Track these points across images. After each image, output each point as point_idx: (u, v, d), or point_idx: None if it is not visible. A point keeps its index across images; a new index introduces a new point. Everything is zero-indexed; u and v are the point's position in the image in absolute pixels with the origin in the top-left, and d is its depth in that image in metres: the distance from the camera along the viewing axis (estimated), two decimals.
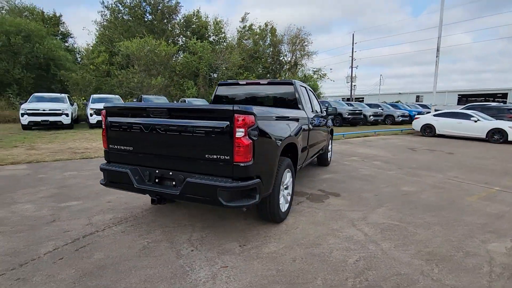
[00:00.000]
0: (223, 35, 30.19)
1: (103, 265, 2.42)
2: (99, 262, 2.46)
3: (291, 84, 4.35)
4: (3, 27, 21.32)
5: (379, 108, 19.35)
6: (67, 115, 12.68)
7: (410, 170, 6.19)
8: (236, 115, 2.37)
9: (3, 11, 26.79)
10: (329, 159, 6.51)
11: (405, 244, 2.90)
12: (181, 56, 25.18)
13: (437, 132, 12.55)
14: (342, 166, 6.52)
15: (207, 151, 2.49)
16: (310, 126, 4.40)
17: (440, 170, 6.22)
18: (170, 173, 2.70)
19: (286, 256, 2.63)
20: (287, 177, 3.43)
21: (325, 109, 5.97)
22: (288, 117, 3.41)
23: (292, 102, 4.32)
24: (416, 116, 13.85)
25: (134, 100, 18.57)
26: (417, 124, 13.10)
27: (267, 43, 31.29)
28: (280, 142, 2.94)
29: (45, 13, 29.97)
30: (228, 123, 2.39)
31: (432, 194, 4.57)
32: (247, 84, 4.65)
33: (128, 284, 2.18)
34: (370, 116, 17.54)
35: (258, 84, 4.56)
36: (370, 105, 20.43)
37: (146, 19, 27.79)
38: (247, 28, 30.47)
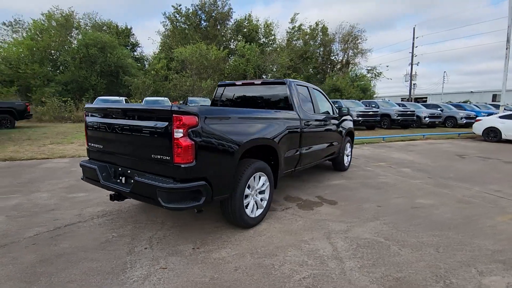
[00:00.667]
0: (272, 37, 30.34)
1: (61, 253, 2.64)
2: (61, 250, 2.69)
3: (283, 83, 4.15)
4: (84, 40, 24.87)
5: (438, 109, 17.08)
6: None
7: (442, 181, 5.34)
8: (174, 115, 2.35)
9: (88, 27, 31.21)
10: (346, 164, 6.02)
11: (375, 265, 2.51)
12: (231, 59, 26.02)
13: (503, 136, 10.54)
14: (361, 172, 5.96)
15: (152, 151, 2.53)
16: (305, 127, 4.13)
17: (481, 182, 5.23)
18: (129, 171, 2.81)
19: (231, 264, 2.50)
20: (261, 181, 3.27)
21: (345, 110, 5.55)
22: (261, 117, 3.25)
23: (284, 102, 4.11)
24: (478, 118, 11.84)
25: (181, 102, 19.76)
26: (478, 127, 11.18)
27: (317, 43, 30.42)
28: (240, 144, 2.81)
29: (118, 27, 34.08)
30: (167, 123, 2.39)
31: (451, 209, 3.87)
32: (242, 84, 4.58)
33: (69, 274, 2.33)
34: (425, 117, 15.63)
35: (253, 84, 4.46)
36: (427, 106, 18.20)
37: (201, 26, 29.51)
38: (296, 28, 30.03)
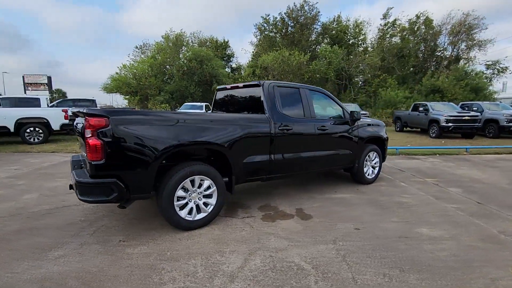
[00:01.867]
0: (362, 36, 28.12)
1: (34, 227, 3.29)
2: (37, 224, 3.36)
3: (258, 86, 3.92)
4: (188, 55, 29.09)
5: None
6: None
7: (490, 208, 3.92)
8: (85, 117, 2.64)
9: (194, 44, 36.23)
10: (369, 176, 5.13)
11: None
12: (312, 63, 25.52)
13: None
14: (385, 187, 4.97)
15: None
16: (282, 132, 3.80)
17: None
18: (82, 164, 3.27)
19: (130, 260, 2.59)
20: (204, 185, 3.23)
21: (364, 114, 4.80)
22: (196, 121, 3.19)
23: (259, 105, 3.89)
24: None
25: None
26: None
27: (419, 38, 26.38)
28: (160, 147, 2.85)
29: (218, 41, 38.26)
30: (84, 124, 2.70)
31: (458, 247, 2.84)
32: (231, 88, 4.55)
33: (20, 243, 2.91)
34: None
35: (237, 87, 4.37)
36: None
37: (288, 33, 30.08)
38: (389, 24, 26.92)
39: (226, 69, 38.83)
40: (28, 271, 2.42)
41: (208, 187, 3.28)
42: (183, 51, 32.65)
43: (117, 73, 28.84)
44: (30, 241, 2.95)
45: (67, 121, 10.13)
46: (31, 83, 45.19)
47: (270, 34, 31.06)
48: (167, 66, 31.41)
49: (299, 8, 29.05)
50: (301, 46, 27.60)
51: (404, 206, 4.08)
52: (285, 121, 3.89)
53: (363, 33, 28.07)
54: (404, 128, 15.67)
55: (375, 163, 5.27)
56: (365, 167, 5.12)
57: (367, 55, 25.25)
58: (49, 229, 3.24)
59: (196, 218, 3.22)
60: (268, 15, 30.21)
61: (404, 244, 2.92)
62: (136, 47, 34.71)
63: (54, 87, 49.39)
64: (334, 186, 5.07)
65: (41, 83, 47.20)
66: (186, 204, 3.16)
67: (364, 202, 4.24)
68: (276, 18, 29.80)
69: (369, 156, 5.13)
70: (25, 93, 42.24)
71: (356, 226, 3.35)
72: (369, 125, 5.16)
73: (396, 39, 26.97)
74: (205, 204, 3.30)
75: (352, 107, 18.43)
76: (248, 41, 41.47)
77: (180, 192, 3.07)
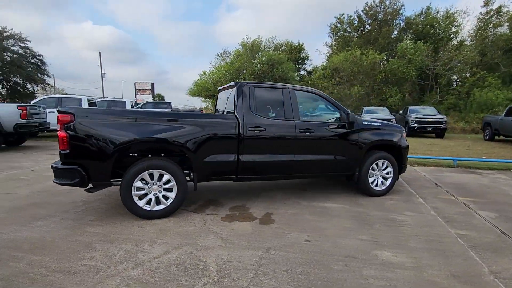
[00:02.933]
0: (455, 29, 23.98)
1: (45, 202, 4.11)
2: (49, 200, 4.18)
3: (233, 86, 3.92)
4: (261, 60, 30.24)
5: None
6: None
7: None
8: (58, 114, 3.19)
9: (270, 49, 37.35)
10: (377, 187, 4.49)
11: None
12: (388, 62, 23.11)
13: None
14: (394, 202, 4.24)
15: None
16: (252, 133, 3.74)
17: None
18: None
19: (57, 231, 3.01)
20: (164, 179, 3.46)
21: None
22: (156, 119, 3.42)
23: (233, 106, 3.90)
24: None
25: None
26: None
27: None
28: (117, 142, 3.19)
29: (293, 44, 38.42)
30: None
31: (416, 280, 2.30)
32: (222, 89, 4.64)
33: (18, 215, 3.70)
34: None
35: (225, 88, 4.43)
36: None
37: (364, 31, 28.11)
38: (493, 12, 22.19)
39: (301, 72, 38.76)
40: (10, 233, 3.07)
41: (168, 181, 3.49)
42: (258, 56, 34.06)
43: (198, 79, 32.07)
44: (34, 212, 3.70)
45: (24, 121, 8.35)
46: (139, 89, 54.44)
47: (345, 33, 29.55)
48: (244, 71, 33.27)
49: (377, 4, 26.80)
50: (377, 44, 25.34)
51: (393, 224, 3.46)
52: (258, 122, 3.80)
53: (456, 24, 23.92)
54: (496, 137, 12.75)
55: (386, 173, 4.58)
56: (371, 176, 4.50)
57: (461, 50, 21.44)
58: (54, 205, 3.99)
59: (154, 209, 3.47)
60: (343, 15, 28.83)
61: (344, 265, 2.53)
62: (217, 55, 37.85)
63: (157, 92, 58.34)
64: (334, 194, 4.62)
65: (147, 89, 56.32)
66: (146, 195, 3.45)
67: (348, 214, 3.77)
68: (351, 16, 28.19)
69: (376, 164, 4.49)
70: (135, 97, 51.17)
71: (310, 239, 3.04)
72: (377, 129, 4.52)
73: (504, 29, 22.06)
74: (165, 197, 3.52)
75: (383, 111, 16.18)
76: (323, 42, 40.27)
77: (138, 183, 3.37)
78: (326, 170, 4.32)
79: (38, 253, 2.65)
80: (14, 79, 25.91)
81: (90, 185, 3.36)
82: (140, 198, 3.42)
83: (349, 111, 4.36)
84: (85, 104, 12.26)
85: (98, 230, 3.17)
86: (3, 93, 26.88)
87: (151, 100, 44.42)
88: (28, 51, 26.84)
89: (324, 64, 31.29)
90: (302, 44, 38.75)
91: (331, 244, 2.92)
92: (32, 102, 12.10)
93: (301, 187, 4.99)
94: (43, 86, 28.22)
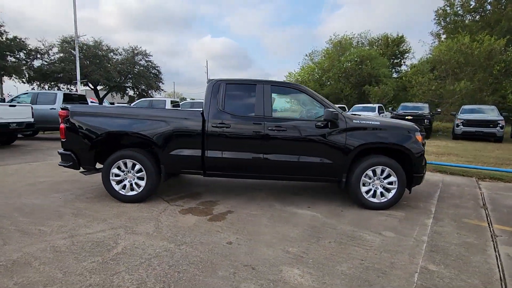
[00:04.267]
0: None
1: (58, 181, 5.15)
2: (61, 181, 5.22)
3: (208, 82, 3.97)
4: (347, 57, 28.45)
5: None
6: None
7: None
8: (60, 110, 3.99)
9: (362, 45, 34.57)
10: (372, 199, 3.76)
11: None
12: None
13: None
14: (389, 218, 3.47)
15: None
16: (217, 129, 3.75)
17: None
18: None
19: (54, 203, 3.70)
20: (136, 168, 3.86)
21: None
22: (133, 114, 3.82)
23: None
24: None
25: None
26: None
27: None
28: (97, 133, 3.76)
29: (389, 38, 34.39)
30: None
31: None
32: None
33: (32, 191, 4.76)
34: None
35: None
36: None
37: (482, 13, 22.84)
38: None
39: (403, 67, 34.27)
40: (30, 200, 4.03)
41: (140, 170, 3.89)
42: (347, 53, 32.02)
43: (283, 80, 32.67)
44: (54, 187, 4.67)
45: None
46: None
47: (456, 17, 24.60)
48: (331, 70, 31.92)
49: None
50: (499, 28, 20.10)
51: (349, 243, 2.87)
52: (224, 119, 3.78)
53: None
54: None
55: (388, 183, 3.76)
56: (366, 185, 3.79)
57: None
58: (78, 183, 4.97)
59: (128, 194, 3.91)
60: None
61: (231, 273, 2.31)
62: (306, 55, 37.45)
63: None
64: (323, 201, 4.10)
65: None
66: (122, 181, 3.94)
67: (309, 224, 3.32)
68: None
69: (374, 172, 3.75)
70: None
71: (235, 241, 2.87)
72: (374, 129, 3.75)
73: None
74: (137, 185, 3.93)
75: (491, 111, 12.40)
76: (428, 32, 34.44)
77: (115, 170, 3.88)
78: (303, 173, 3.88)
79: (28, 215, 3.43)
80: (142, 86, 32.43)
81: (81, 169, 4.08)
82: (117, 183, 3.93)
83: (336, 108, 3.80)
84: (168, 105, 14.50)
85: (81, 206, 3.81)
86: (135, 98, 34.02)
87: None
88: (150, 63, 33.18)
89: (429, 57, 26.85)
90: (402, 36, 34.33)
91: (247, 250, 2.69)
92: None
93: (294, 191, 4.62)
94: (159, 91, 34.33)
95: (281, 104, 4.44)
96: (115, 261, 2.45)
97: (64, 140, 3.95)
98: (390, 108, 18.40)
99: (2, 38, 25.89)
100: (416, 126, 3.88)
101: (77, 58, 21.29)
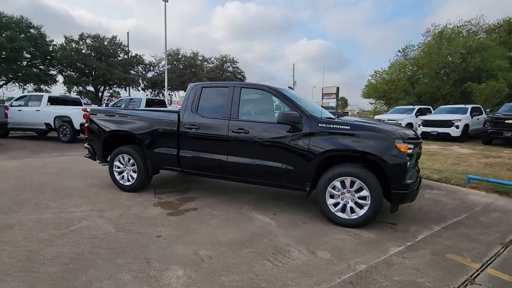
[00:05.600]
0: None
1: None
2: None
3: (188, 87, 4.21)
4: (447, 50, 24.08)
5: None
6: (457, 127, 12.09)
7: None
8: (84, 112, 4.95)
9: (470, 34, 28.41)
10: (341, 213, 3.28)
11: None
12: None
13: None
14: (345, 238, 2.93)
15: None
16: (189, 130, 3.99)
17: None
18: None
19: (72, 181, 4.59)
20: (131, 162, 4.47)
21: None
22: (127, 116, 4.42)
23: None
24: None
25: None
26: None
27: None
28: (105, 132, 4.51)
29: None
30: None
31: None
32: None
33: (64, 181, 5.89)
34: None
35: None
36: None
37: None
38: None
39: None
40: (66, 183, 5.17)
41: (133, 164, 4.48)
42: (449, 45, 26.92)
43: (368, 79, 30.06)
44: (95, 175, 5.79)
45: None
46: (326, 93, 58.15)
47: None
48: (427, 65, 27.49)
49: None
50: None
51: (274, 257, 2.64)
52: (194, 121, 3.98)
53: None
54: None
55: (360, 198, 3.21)
56: (334, 198, 3.34)
57: None
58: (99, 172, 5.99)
59: (125, 184, 4.55)
60: None
61: (114, 263, 2.52)
62: (398, 51, 33.39)
63: (341, 96, 60.01)
64: (292, 210, 3.80)
65: (332, 93, 59.16)
66: (122, 172, 4.61)
67: (255, 232, 3.16)
68: None
69: (343, 183, 3.27)
70: (321, 101, 55.35)
71: (163, 236, 3.05)
72: (342, 134, 3.25)
73: None
74: (131, 177, 4.53)
75: None
76: None
77: (117, 163, 4.58)
78: (266, 178, 3.68)
79: (52, 193, 4.43)
80: None
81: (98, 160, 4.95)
82: (119, 174, 4.63)
83: (305, 110, 3.49)
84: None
85: (93, 190, 4.65)
86: None
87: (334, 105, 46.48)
88: (237, 69, 36.02)
89: None
90: None
91: (164, 245, 2.82)
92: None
93: (278, 196, 4.41)
94: None
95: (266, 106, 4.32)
96: (62, 236, 2.99)
97: (86, 136, 4.90)
98: (488, 110, 14.65)
99: (128, 56, 32.49)
100: (401, 133, 3.18)
101: (166, 69, 24.86)
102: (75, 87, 29.89)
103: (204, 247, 2.82)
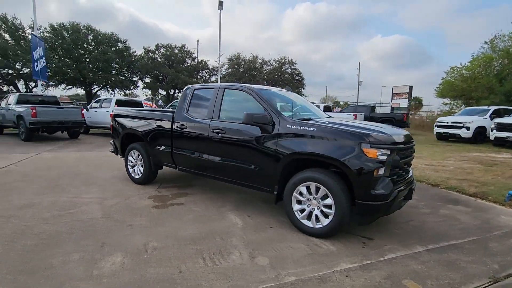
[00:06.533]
0: None
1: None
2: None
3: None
4: None
5: None
6: (468, 128, 12.04)
7: None
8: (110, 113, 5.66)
9: None
10: (307, 221, 3.08)
11: None
12: None
13: None
14: (308, 248, 2.73)
15: None
16: (179, 130, 4.25)
17: None
18: None
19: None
20: (139, 157, 4.98)
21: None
22: (136, 116, 4.90)
23: None
24: None
25: None
26: None
27: None
28: (123, 129, 5.11)
29: None
30: None
31: None
32: None
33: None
34: None
35: None
36: None
37: None
38: None
39: None
40: (97, 173, 6.01)
41: (141, 160, 4.97)
42: None
43: (442, 78, 26.43)
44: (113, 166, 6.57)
45: None
46: (396, 93, 53.26)
47: None
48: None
49: None
50: None
51: (204, 257, 2.67)
52: (182, 121, 4.21)
53: None
54: None
55: (325, 206, 2.96)
56: (300, 204, 3.14)
57: None
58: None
59: (136, 177, 5.06)
60: None
61: (54, 245, 2.86)
62: (485, 42, 28.34)
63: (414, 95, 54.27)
64: (268, 213, 3.68)
65: (403, 93, 53.86)
66: (134, 166, 5.14)
67: (216, 230, 3.21)
68: None
69: (308, 189, 3.06)
70: (391, 101, 51.00)
71: (134, 226, 3.34)
72: (306, 135, 3.02)
73: None
74: (140, 171, 5.02)
75: None
76: None
77: (130, 158, 5.14)
78: (238, 178, 3.65)
79: (82, 180, 5.22)
80: None
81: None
82: (132, 167, 5.18)
83: (275, 111, 3.38)
84: None
85: (113, 181, 5.29)
86: None
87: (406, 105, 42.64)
88: (295, 71, 35.83)
89: None
90: None
91: (127, 234, 3.09)
92: None
93: (265, 199, 4.30)
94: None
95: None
96: (60, 216, 3.53)
97: (111, 133, 5.62)
98: None
99: (194, 62, 35.29)
100: (374, 136, 2.81)
101: (219, 72, 26.12)
102: (150, 91, 33.85)
103: (158, 239, 2.99)
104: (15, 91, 24.91)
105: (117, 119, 5.36)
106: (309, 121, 3.26)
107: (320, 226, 3.01)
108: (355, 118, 15.08)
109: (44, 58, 16.13)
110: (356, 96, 49.68)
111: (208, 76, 36.69)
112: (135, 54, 31.27)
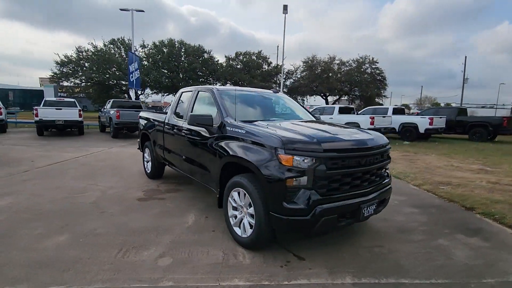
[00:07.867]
0: None
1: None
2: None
3: None
4: None
5: None
6: None
7: None
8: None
9: None
10: (239, 230, 2.89)
11: None
12: None
13: None
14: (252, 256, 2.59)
15: None
16: (167, 129, 4.57)
17: None
18: None
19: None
20: (147, 151, 5.55)
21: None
22: (146, 117, 5.44)
23: None
24: None
25: None
26: None
27: None
28: (140, 128, 5.80)
29: None
30: None
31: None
32: None
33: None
34: None
35: None
36: None
37: None
38: None
39: None
40: (123, 163, 6.92)
41: (148, 154, 5.53)
42: None
43: None
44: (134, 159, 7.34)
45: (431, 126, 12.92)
46: None
47: None
48: None
49: None
50: None
51: (130, 252, 2.82)
52: (170, 122, 4.49)
53: None
54: None
55: (250, 214, 2.73)
56: (235, 210, 2.98)
57: None
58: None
59: (148, 172, 5.66)
60: None
61: (23, 225, 3.41)
62: None
63: None
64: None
65: None
66: (148, 162, 5.74)
67: (164, 226, 3.35)
68: None
69: (239, 195, 2.88)
70: None
71: (105, 213, 3.77)
72: (239, 138, 2.82)
73: None
74: (150, 166, 5.58)
75: None
76: None
77: (145, 154, 5.78)
78: (198, 178, 3.71)
79: (109, 170, 6.16)
80: (356, 93, 33.51)
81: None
82: (146, 163, 5.79)
83: (224, 113, 3.29)
84: (336, 111, 14.54)
85: (133, 174, 6.04)
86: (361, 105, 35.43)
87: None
88: (377, 70, 32.89)
89: None
90: None
91: (95, 217, 3.54)
92: None
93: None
94: (380, 97, 33.18)
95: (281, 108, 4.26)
96: (63, 199, 4.28)
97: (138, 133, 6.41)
98: None
99: (270, 67, 36.27)
100: (293, 140, 2.43)
101: (282, 74, 25.90)
102: None
103: (106, 228, 3.30)
104: (126, 97, 30.61)
105: (140, 120, 6.08)
106: (247, 124, 3.05)
107: (245, 236, 2.80)
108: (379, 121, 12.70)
109: (138, 70, 19.41)
110: (458, 96, 42.05)
111: (284, 80, 37.03)
112: (217, 62, 34.23)
